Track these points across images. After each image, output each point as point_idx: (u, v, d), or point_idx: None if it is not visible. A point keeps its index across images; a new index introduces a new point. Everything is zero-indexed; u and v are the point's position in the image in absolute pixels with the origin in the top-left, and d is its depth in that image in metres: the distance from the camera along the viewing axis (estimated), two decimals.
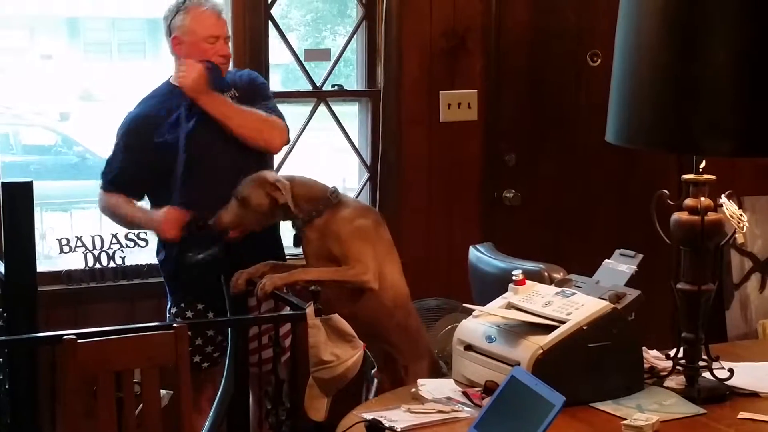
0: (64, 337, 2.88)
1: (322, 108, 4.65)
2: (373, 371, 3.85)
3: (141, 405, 3.00)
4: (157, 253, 3.90)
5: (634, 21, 2.61)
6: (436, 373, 3.61)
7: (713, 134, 2.51)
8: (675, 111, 2.51)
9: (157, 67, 8.95)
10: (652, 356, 2.89)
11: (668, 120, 2.54)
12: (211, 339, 3.81)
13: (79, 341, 2.88)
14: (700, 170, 2.68)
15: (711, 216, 2.66)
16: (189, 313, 3.79)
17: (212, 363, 3.83)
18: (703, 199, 2.66)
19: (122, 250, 4.26)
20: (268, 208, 3.60)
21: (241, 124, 3.72)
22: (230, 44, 3.86)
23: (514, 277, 2.88)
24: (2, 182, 3.41)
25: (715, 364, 2.73)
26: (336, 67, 4.70)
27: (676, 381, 2.74)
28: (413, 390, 2.75)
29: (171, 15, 3.78)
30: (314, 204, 3.61)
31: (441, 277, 4.70)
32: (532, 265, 3.39)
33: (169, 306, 3.88)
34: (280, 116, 3.85)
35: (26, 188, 3.27)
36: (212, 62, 3.71)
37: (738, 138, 2.53)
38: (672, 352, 2.76)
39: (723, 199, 2.69)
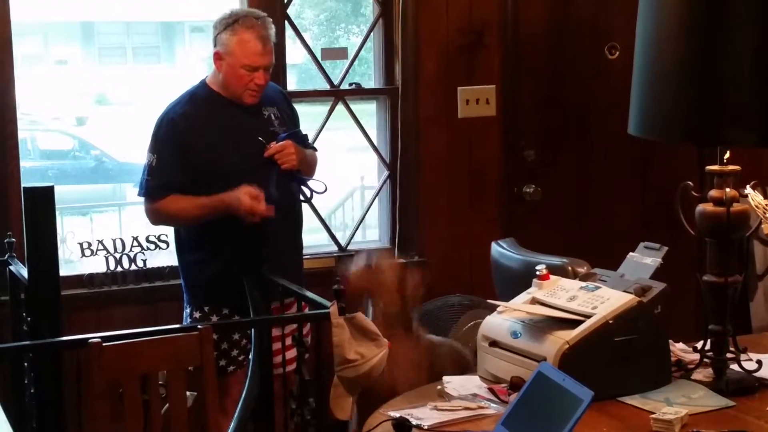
0: (90, 340, 2.89)
1: (340, 107, 4.65)
2: None
3: (166, 406, 3.01)
4: (181, 255, 3.87)
5: (655, 12, 2.60)
6: None
7: (738, 125, 2.49)
8: (699, 102, 2.49)
9: (171, 71, 9.02)
10: (679, 349, 2.88)
11: (693, 111, 2.52)
12: (237, 343, 3.80)
13: (104, 344, 2.88)
14: (725, 161, 2.66)
15: (736, 207, 2.65)
16: (214, 318, 3.78)
17: (238, 366, 3.82)
18: (728, 190, 2.64)
19: (143, 253, 4.27)
20: None
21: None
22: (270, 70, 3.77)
23: (537, 272, 2.88)
24: (24, 187, 3.41)
25: (743, 356, 2.71)
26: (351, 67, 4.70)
27: (703, 374, 2.73)
28: (439, 387, 2.75)
29: (220, 28, 3.70)
30: None
31: (463, 274, 4.69)
32: (555, 260, 3.38)
33: (190, 310, 3.85)
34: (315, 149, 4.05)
35: (48, 193, 3.27)
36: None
37: (763, 129, 2.51)
38: (699, 345, 2.74)
39: (748, 190, 2.67)
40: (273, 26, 3.78)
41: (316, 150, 4.05)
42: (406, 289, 3.80)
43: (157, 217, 3.77)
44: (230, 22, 3.69)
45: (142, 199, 3.81)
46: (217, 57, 3.73)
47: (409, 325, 3.84)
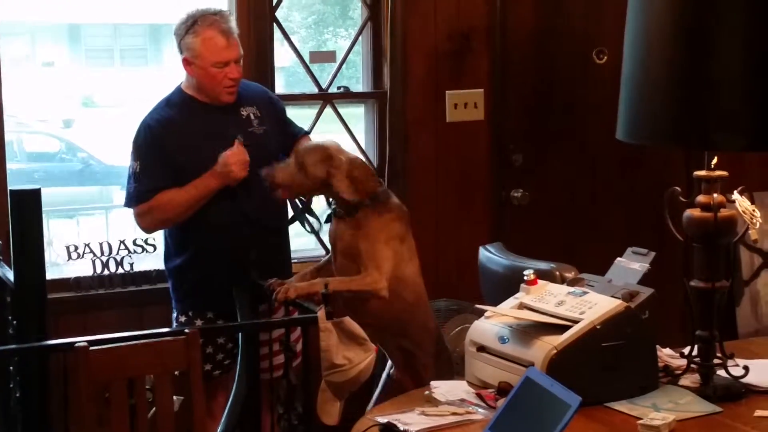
0: (76, 344, 2.88)
1: (328, 110, 4.64)
2: (391, 371, 3.81)
3: (153, 410, 3.00)
4: (168, 260, 3.87)
5: (643, 17, 2.60)
6: (451, 372, 3.59)
7: (726, 129, 2.49)
8: (687, 107, 2.50)
9: (159, 73, 8.99)
10: (666, 354, 2.88)
11: (681, 116, 2.52)
12: (222, 347, 3.79)
13: (91, 348, 2.87)
14: (712, 166, 2.66)
15: (724, 212, 2.65)
16: (198, 322, 3.77)
17: (223, 371, 3.81)
18: (715, 195, 2.64)
19: (130, 256, 4.25)
20: (320, 182, 3.48)
21: None
22: (241, 62, 3.76)
23: (525, 277, 2.87)
24: (10, 190, 3.40)
25: (729, 362, 2.71)
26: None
27: (690, 379, 2.72)
28: (426, 393, 2.74)
29: (182, 33, 3.68)
30: (363, 194, 3.46)
31: (450, 278, 4.69)
32: (543, 265, 3.37)
33: (175, 315, 3.85)
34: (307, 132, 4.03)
35: (34, 195, 3.26)
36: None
37: (751, 133, 2.52)
38: (686, 350, 2.74)
39: (736, 195, 2.68)
40: (233, 18, 3.77)
41: (309, 133, 4.07)
42: None
43: (149, 218, 3.73)
44: (190, 25, 3.67)
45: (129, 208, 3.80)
46: (186, 63, 3.71)
47: None
